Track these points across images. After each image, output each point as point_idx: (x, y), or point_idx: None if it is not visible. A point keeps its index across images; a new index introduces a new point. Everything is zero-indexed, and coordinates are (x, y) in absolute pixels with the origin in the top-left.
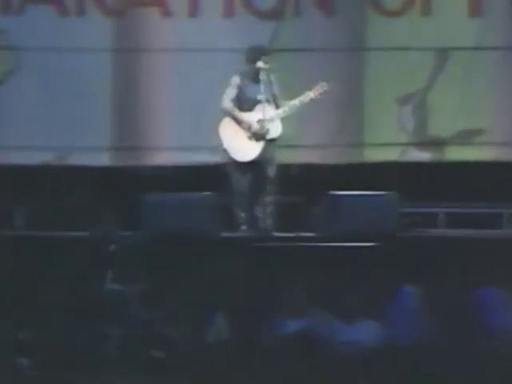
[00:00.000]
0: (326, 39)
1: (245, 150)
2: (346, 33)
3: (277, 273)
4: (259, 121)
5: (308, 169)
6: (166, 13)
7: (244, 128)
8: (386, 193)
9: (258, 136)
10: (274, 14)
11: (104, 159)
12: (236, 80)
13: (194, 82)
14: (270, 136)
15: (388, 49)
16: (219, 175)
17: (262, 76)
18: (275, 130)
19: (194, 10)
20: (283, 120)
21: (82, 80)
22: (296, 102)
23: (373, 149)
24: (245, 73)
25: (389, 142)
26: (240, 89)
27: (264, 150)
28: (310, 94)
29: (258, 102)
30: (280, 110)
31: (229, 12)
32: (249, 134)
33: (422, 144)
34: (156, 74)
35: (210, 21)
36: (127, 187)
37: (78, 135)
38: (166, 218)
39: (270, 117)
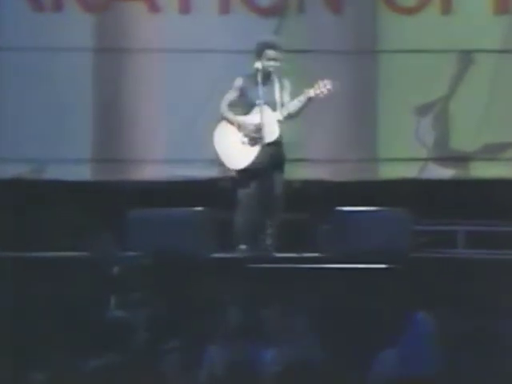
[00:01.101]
0: (333, 40)
1: (238, 155)
2: (356, 33)
3: (278, 297)
4: (255, 125)
5: (314, 186)
6: (154, 8)
7: (239, 132)
8: (398, 209)
9: (252, 141)
10: (275, 11)
11: (84, 173)
12: (238, 82)
13: (185, 86)
14: (265, 141)
15: (403, 51)
16: (214, 189)
17: (265, 76)
18: (271, 134)
19: (185, 6)
20: (286, 131)
21: (58, 83)
22: (295, 102)
23: (388, 165)
24: (250, 74)
25: (406, 157)
26: (242, 91)
27: (260, 157)
28: (310, 93)
29: (256, 104)
30: (277, 113)
31: (225, 8)
32: (243, 139)
33: (443, 159)
34: (143, 77)
35: (203, 18)
36: (111, 204)
37: (55, 145)
38: (153, 237)
39: (267, 120)
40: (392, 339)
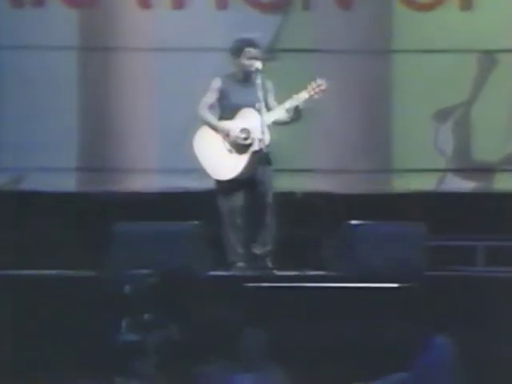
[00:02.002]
0: (342, 38)
1: (224, 165)
2: (367, 31)
3: (279, 319)
4: (242, 130)
5: (319, 198)
6: (145, 3)
7: (223, 138)
8: (412, 223)
9: (240, 148)
10: (278, 7)
11: (68, 183)
12: (217, 83)
13: (180, 88)
14: (255, 147)
15: (419, 51)
16: (208, 201)
17: (246, 76)
18: (262, 139)
19: (179, 1)
20: (285, 137)
21: (40, 85)
22: (287, 104)
23: (402, 176)
24: (229, 74)
25: (423, 167)
26: (222, 93)
27: (249, 165)
28: (305, 94)
29: (241, 107)
30: (268, 115)
31: (222, 3)
32: (229, 147)
33: (464, 170)
34: (133, 79)
35: (198, 14)
36: (97, 217)
37: (35, 153)
38: (143, 253)
39: (255, 124)
40: (405, 365)
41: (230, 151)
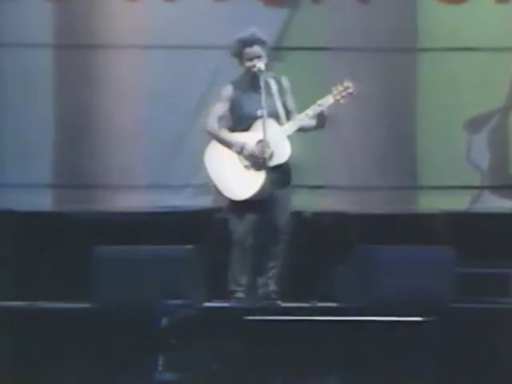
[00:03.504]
0: (359, 34)
1: (241, 183)
2: (388, 26)
3: (285, 357)
4: (259, 142)
5: (334, 219)
6: None
7: (238, 154)
8: (438, 247)
9: (257, 163)
10: None
11: (42, 201)
12: (227, 91)
13: (172, 92)
14: (274, 162)
15: (449, 49)
16: (204, 222)
17: (262, 79)
18: (281, 153)
19: None
20: (299, 150)
21: (10, 88)
22: (309, 112)
23: (429, 194)
24: (239, 79)
25: (453, 184)
26: (233, 102)
27: (268, 183)
28: (330, 99)
29: (257, 117)
30: (286, 126)
31: None
32: (246, 162)
33: (502, 187)
34: (119, 81)
35: (194, 6)
36: (76, 240)
37: (4, 166)
38: (130, 281)
39: (273, 136)
40: None
41: (247, 167)
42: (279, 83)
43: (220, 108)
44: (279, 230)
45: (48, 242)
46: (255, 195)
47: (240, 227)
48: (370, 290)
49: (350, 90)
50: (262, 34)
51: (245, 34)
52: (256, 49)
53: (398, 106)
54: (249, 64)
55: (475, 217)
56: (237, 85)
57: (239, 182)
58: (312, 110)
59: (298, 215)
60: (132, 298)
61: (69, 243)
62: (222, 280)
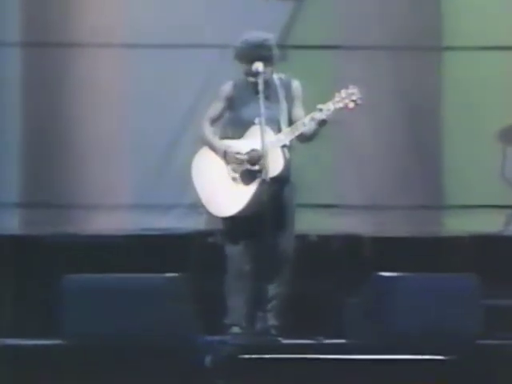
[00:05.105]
0: (375, 32)
1: (226, 197)
2: (409, 23)
3: None
4: (251, 151)
5: (343, 243)
6: None
7: (226, 164)
8: (463, 275)
9: (247, 176)
10: None
11: (7, 223)
12: (226, 89)
13: (158, 97)
14: (267, 175)
15: (477, 48)
16: (195, 246)
17: (261, 83)
18: (274, 165)
19: None
20: (304, 164)
21: None
22: (305, 120)
23: (457, 214)
24: (241, 80)
25: (485, 203)
26: (232, 103)
27: (258, 199)
28: (330, 106)
29: (253, 123)
30: (281, 135)
31: None
32: (233, 174)
33: None
34: (98, 85)
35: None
36: (48, 265)
37: None
38: (107, 313)
39: (266, 145)
40: None
41: (236, 180)
42: (287, 88)
43: (216, 107)
44: (280, 254)
45: (14, 270)
46: (241, 211)
47: (235, 252)
48: (384, 324)
49: (355, 98)
50: (268, 36)
51: (243, 36)
52: (254, 49)
53: (420, 113)
54: (250, 66)
55: (509, 241)
56: (240, 85)
57: (225, 195)
58: (309, 119)
59: (303, 238)
60: (108, 333)
61: (37, 271)
62: (215, 313)
